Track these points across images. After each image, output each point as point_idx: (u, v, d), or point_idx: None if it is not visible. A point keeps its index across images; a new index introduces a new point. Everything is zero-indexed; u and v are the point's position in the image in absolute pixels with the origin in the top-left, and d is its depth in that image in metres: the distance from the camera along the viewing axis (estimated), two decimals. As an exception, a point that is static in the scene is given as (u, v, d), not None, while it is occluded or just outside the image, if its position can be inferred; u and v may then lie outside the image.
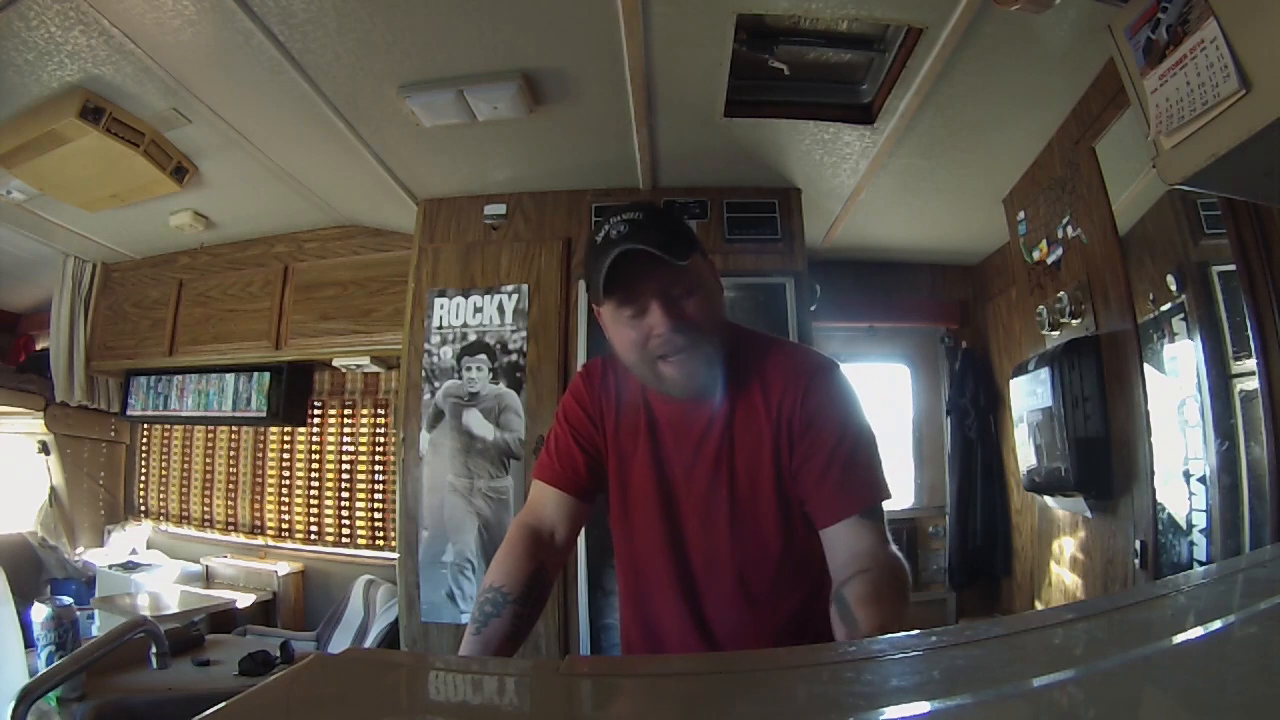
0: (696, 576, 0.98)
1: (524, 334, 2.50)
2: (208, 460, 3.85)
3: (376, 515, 3.37)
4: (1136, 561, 1.74)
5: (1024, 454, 2.24)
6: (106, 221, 2.97)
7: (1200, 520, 1.59)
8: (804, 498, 0.94)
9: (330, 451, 3.52)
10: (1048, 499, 2.30)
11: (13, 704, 0.87)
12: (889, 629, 0.73)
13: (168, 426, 3.95)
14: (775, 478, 0.95)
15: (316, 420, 3.56)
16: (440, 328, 2.54)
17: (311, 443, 3.57)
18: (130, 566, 3.46)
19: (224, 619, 2.98)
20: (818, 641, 0.91)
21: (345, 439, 3.50)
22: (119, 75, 1.89)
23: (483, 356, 2.50)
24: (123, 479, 4.01)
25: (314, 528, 3.49)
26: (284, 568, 3.32)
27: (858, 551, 0.86)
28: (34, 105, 2.01)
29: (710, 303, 0.93)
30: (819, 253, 3.06)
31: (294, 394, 3.37)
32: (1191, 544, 1.61)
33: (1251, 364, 1.47)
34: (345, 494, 3.45)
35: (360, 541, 3.37)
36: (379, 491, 3.38)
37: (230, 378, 3.39)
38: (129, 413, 3.69)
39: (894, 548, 0.88)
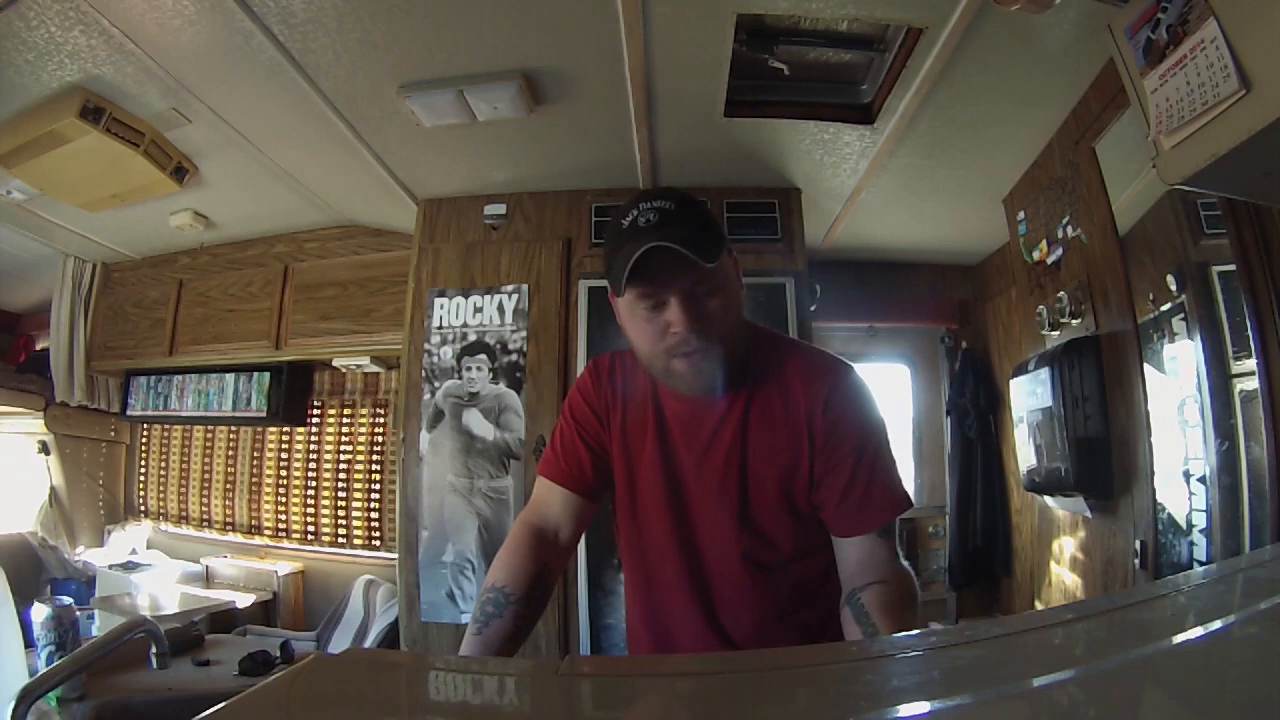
0: (709, 575, 0.98)
1: (524, 334, 2.50)
2: (207, 460, 3.85)
3: (373, 515, 3.37)
4: (1136, 561, 1.74)
5: (1024, 454, 2.24)
6: (106, 221, 2.97)
7: (1200, 520, 1.58)
8: (821, 505, 0.94)
9: (329, 451, 3.51)
10: (1048, 499, 2.30)
11: (13, 704, 0.87)
12: None
13: (167, 426, 3.95)
14: (790, 479, 0.95)
15: (315, 420, 3.55)
16: (440, 328, 2.54)
17: (310, 442, 3.57)
18: (130, 566, 3.46)
19: (224, 619, 2.98)
20: (832, 640, 0.93)
21: (344, 439, 3.49)
22: (119, 75, 1.89)
23: (483, 356, 2.50)
24: (122, 479, 4.01)
25: (311, 528, 3.49)
26: (284, 568, 3.32)
27: (874, 562, 0.90)
28: (34, 105, 2.01)
29: (731, 304, 0.92)
30: (819, 253, 3.06)
31: (294, 394, 3.37)
32: (1191, 544, 1.61)
33: (1251, 364, 1.47)
34: (342, 494, 3.45)
35: (356, 542, 3.37)
36: (375, 491, 3.38)
37: (230, 378, 3.38)
38: (129, 413, 3.69)
39: (903, 562, 0.92)
